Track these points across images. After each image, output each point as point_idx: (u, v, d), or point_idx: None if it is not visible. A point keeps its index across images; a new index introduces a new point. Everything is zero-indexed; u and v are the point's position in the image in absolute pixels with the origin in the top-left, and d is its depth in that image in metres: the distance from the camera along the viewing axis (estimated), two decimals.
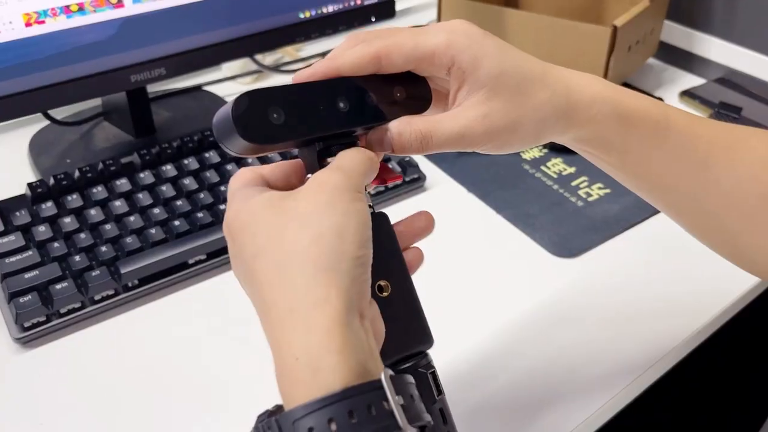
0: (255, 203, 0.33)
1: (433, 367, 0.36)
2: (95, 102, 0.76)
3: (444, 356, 0.36)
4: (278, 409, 0.30)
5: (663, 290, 0.60)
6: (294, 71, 0.88)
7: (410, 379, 0.31)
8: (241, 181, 0.35)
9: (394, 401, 0.28)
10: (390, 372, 0.29)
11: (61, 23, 0.60)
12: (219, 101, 0.82)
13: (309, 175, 0.36)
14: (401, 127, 0.37)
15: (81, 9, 0.60)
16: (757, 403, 0.99)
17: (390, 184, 0.39)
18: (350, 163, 0.34)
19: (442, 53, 0.37)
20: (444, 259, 0.62)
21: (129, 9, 0.62)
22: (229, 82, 0.86)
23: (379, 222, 0.36)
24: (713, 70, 0.89)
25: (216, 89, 0.84)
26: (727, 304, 0.58)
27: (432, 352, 0.37)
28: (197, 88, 0.83)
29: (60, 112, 0.75)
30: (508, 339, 0.55)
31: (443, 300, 0.55)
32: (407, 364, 0.35)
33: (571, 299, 0.59)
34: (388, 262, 0.36)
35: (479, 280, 0.60)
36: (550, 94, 0.38)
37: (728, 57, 0.87)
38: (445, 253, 0.62)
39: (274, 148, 0.35)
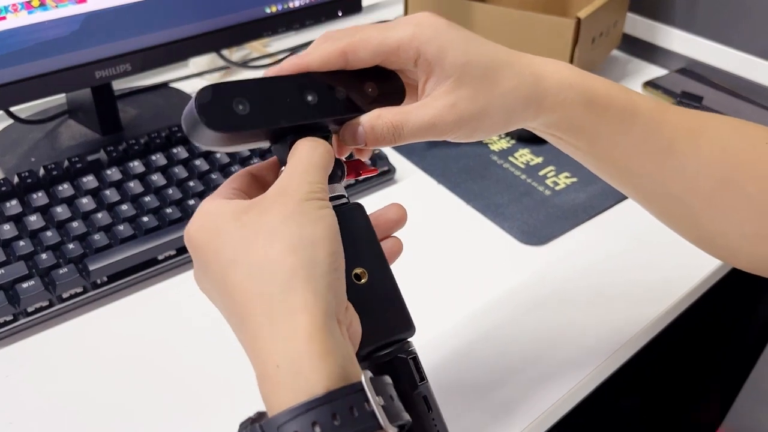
0: (217, 217, 0.33)
1: (415, 353, 0.36)
2: (60, 100, 0.75)
3: (417, 342, 0.37)
4: (260, 416, 0.31)
5: (629, 275, 0.61)
6: (262, 67, 0.88)
7: (388, 380, 0.31)
8: (211, 196, 0.36)
9: (375, 402, 0.29)
10: (369, 374, 0.30)
11: (22, 19, 0.59)
12: (186, 98, 0.81)
13: (283, 169, 0.35)
14: (372, 119, 0.37)
15: (43, 5, 0.59)
16: (725, 384, 1.01)
17: (362, 177, 0.39)
18: (308, 158, 0.34)
19: (407, 46, 0.37)
20: (416, 249, 0.62)
21: (92, 4, 0.62)
22: (196, 78, 0.85)
23: (355, 213, 0.37)
24: (675, 60, 0.90)
25: (183, 86, 0.84)
26: (691, 287, 0.60)
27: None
28: (164, 85, 0.83)
29: (24, 111, 0.74)
30: (480, 325, 0.55)
31: (416, 289, 0.55)
32: (387, 350, 0.35)
33: (540, 286, 0.59)
34: (365, 250, 0.36)
35: (451, 269, 0.61)
36: (517, 81, 0.39)
37: (689, 48, 0.89)
38: (417, 244, 0.62)
39: (239, 138, 0.35)
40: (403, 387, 0.34)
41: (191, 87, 0.84)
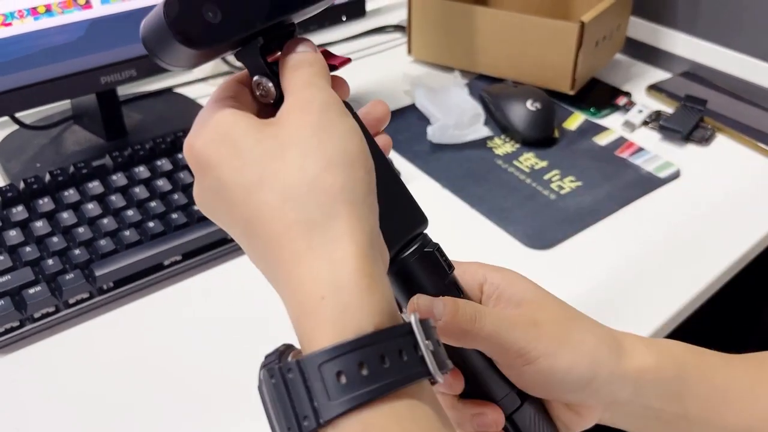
0: (233, 129, 0.28)
1: (437, 244, 0.34)
2: (65, 105, 0.75)
3: None
4: (287, 348, 0.28)
5: (634, 280, 0.61)
6: None
7: (433, 323, 0.28)
8: (211, 104, 0.31)
9: (424, 346, 0.26)
10: (418, 316, 0.27)
11: (28, 25, 0.59)
12: (190, 103, 0.81)
13: (256, 78, 0.32)
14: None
15: (48, 11, 0.59)
16: None
17: (339, 69, 0.35)
18: (310, 66, 0.30)
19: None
20: None
21: (97, 10, 0.62)
22: (200, 83, 0.85)
23: (351, 107, 0.33)
24: (678, 64, 0.90)
25: (187, 91, 0.84)
26: (696, 293, 0.60)
27: None
28: (168, 91, 0.83)
29: (28, 117, 0.74)
30: None
31: None
32: (413, 248, 0.33)
33: (547, 289, 0.59)
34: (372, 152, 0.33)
35: None
36: (594, 332, 0.36)
37: (693, 51, 0.89)
38: None
39: (214, 51, 0.32)
40: (435, 279, 0.34)
41: (195, 92, 0.84)
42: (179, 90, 0.83)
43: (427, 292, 0.34)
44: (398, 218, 0.33)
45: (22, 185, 0.60)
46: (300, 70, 0.30)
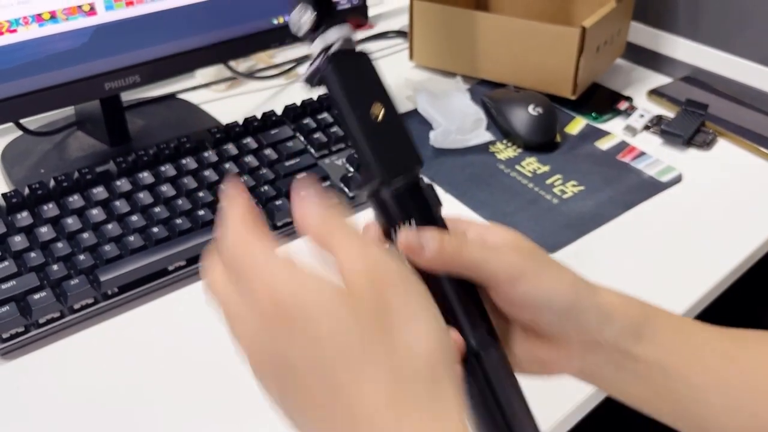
0: (319, 292, 0.28)
1: (430, 184, 0.37)
2: (68, 111, 0.76)
3: None
4: None
5: (637, 282, 0.61)
6: (269, 77, 0.88)
7: None
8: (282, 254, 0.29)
9: None
10: None
11: (33, 32, 0.59)
12: (193, 109, 0.82)
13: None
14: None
15: (53, 17, 0.60)
16: None
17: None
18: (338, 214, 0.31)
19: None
20: None
21: (102, 17, 0.62)
22: (202, 89, 0.86)
23: (366, 59, 0.37)
24: (679, 68, 0.91)
25: (190, 96, 0.84)
26: (701, 295, 0.60)
27: None
28: (171, 96, 0.83)
29: (32, 122, 0.75)
30: None
31: None
32: (412, 181, 0.36)
33: None
34: (379, 93, 0.37)
35: None
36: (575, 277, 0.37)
37: (694, 56, 0.89)
38: None
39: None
40: (434, 210, 0.36)
41: (198, 98, 0.84)
42: (182, 96, 0.84)
43: (417, 217, 0.35)
44: (401, 151, 0.36)
45: (26, 191, 0.60)
46: (343, 232, 0.30)
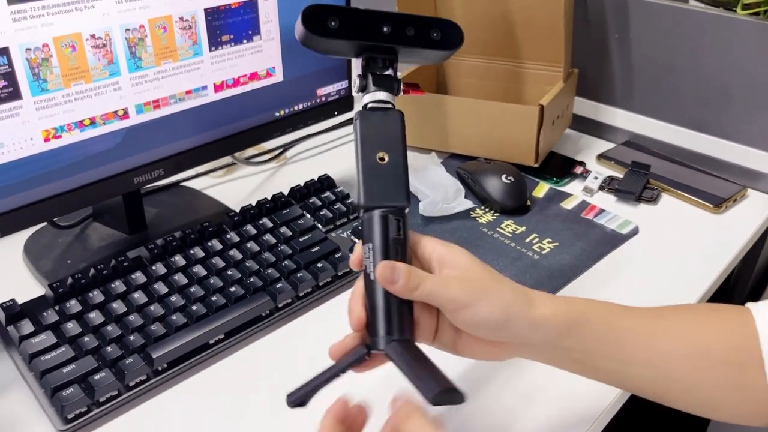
0: None
1: (402, 217, 0.48)
2: None
3: None
4: None
5: None
6: (263, 162, 0.96)
7: None
8: None
9: None
10: None
11: (75, 136, 0.66)
12: (198, 195, 0.88)
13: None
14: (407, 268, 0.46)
15: (93, 122, 0.66)
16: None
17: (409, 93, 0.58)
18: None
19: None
20: None
21: (133, 119, 0.69)
22: (204, 177, 0.93)
23: (394, 116, 0.51)
24: (620, 134, 1.05)
25: (193, 184, 0.91)
26: None
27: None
28: (176, 185, 0.90)
29: None
30: (493, 374, 0.63)
31: (432, 355, 0.63)
32: (385, 209, 0.48)
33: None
34: (391, 141, 0.50)
35: None
36: (511, 289, 0.49)
37: (631, 123, 1.03)
38: None
39: (328, 43, 0.50)
40: (389, 234, 0.47)
41: (200, 184, 0.91)
42: (186, 183, 0.90)
43: (380, 239, 0.48)
44: (389, 187, 0.48)
45: (70, 280, 0.65)
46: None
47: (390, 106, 0.51)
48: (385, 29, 0.50)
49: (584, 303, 0.51)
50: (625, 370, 0.50)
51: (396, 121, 0.50)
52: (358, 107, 0.52)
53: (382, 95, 0.51)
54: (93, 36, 0.63)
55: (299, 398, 0.46)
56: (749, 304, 0.52)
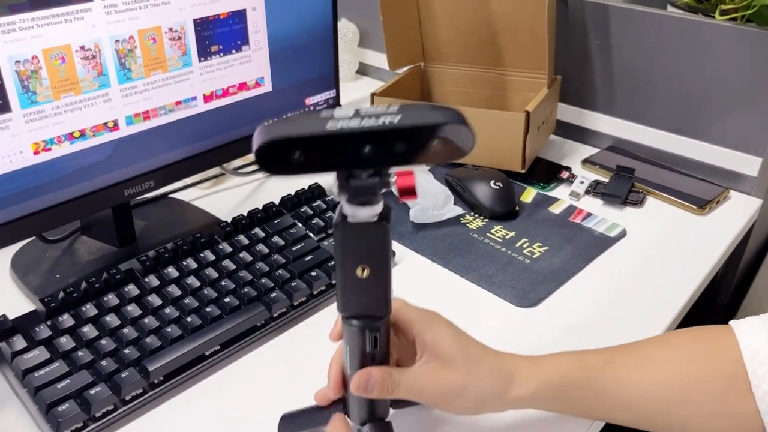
0: None
1: (378, 331, 0.47)
2: None
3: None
4: None
5: (608, 323, 0.72)
6: (251, 173, 0.96)
7: None
8: None
9: None
10: None
11: (65, 149, 0.65)
12: (187, 206, 0.88)
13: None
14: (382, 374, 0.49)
15: (83, 135, 0.66)
16: None
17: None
18: None
19: (412, 325, 0.52)
20: None
21: (123, 131, 0.69)
22: (192, 188, 0.92)
23: (379, 229, 0.43)
24: (603, 139, 1.06)
25: (181, 195, 0.90)
26: (660, 330, 0.71)
27: None
28: (164, 197, 0.89)
29: None
30: None
31: None
32: (363, 320, 0.47)
33: (542, 339, 0.69)
34: (373, 256, 0.45)
35: None
36: (490, 375, 0.51)
37: (614, 128, 1.05)
38: None
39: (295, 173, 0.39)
40: (365, 348, 0.48)
41: (189, 196, 0.90)
42: (174, 195, 0.90)
43: (356, 351, 0.48)
44: (365, 301, 0.47)
45: (61, 294, 0.64)
46: None
47: (375, 218, 0.43)
48: (366, 150, 0.39)
49: (566, 364, 0.53)
50: (610, 415, 0.54)
51: (381, 236, 0.44)
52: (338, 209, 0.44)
53: (365, 213, 0.42)
54: (82, 47, 0.63)
55: None
56: (732, 323, 0.54)
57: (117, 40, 0.65)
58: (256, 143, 0.38)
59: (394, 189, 0.43)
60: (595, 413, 0.54)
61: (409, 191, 0.43)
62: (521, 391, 0.51)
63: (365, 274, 0.45)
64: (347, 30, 1.30)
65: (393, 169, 0.42)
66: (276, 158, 0.38)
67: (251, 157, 0.99)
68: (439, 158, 0.40)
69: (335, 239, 0.44)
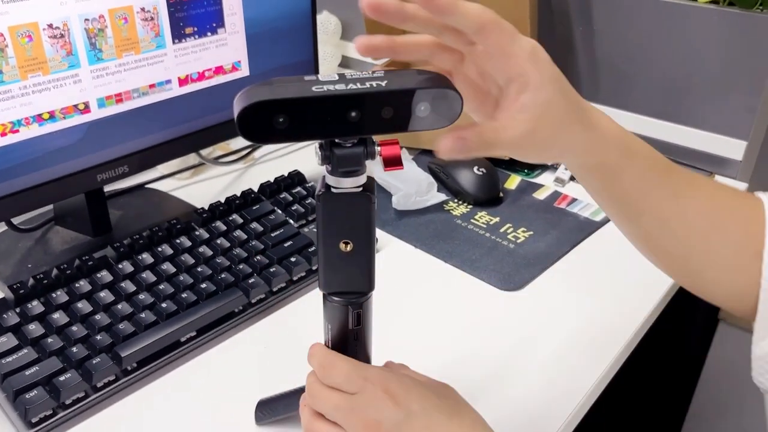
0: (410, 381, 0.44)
1: (360, 307, 0.45)
2: (46, 207, 0.78)
3: None
4: None
5: (594, 306, 0.70)
6: (232, 162, 0.94)
7: None
8: None
9: None
10: None
11: (34, 131, 0.63)
12: (164, 196, 0.86)
13: None
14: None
15: (52, 117, 0.64)
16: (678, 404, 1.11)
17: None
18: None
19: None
20: (410, 308, 0.69)
21: (95, 113, 0.67)
22: (169, 179, 0.90)
23: (365, 203, 0.41)
24: None
25: (158, 186, 0.88)
26: (647, 314, 0.70)
27: None
28: (140, 187, 0.87)
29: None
30: (483, 359, 0.62)
31: (417, 341, 0.62)
32: (343, 297, 0.44)
33: (527, 322, 0.68)
34: (357, 230, 0.42)
35: (446, 319, 0.68)
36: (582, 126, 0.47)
37: None
38: (411, 303, 0.70)
39: (278, 141, 0.38)
40: (343, 325, 0.45)
41: (166, 186, 0.88)
42: (151, 185, 0.88)
43: (336, 325, 0.46)
44: (349, 277, 0.44)
45: (31, 281, 0.62)
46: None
47: (359, 189, 0.41)
48: (352, 115, 0.38)
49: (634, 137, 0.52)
50: (639, 220, 0.51)
51: (365, 206, 0.42)
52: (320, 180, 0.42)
53: (349, 183, 0.41)
54: (50, 26, 0.61)
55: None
56: (759, 194, 0.53)
57: (86, 19, 0.63)
58: (237, 107, 0.36)
59: (379, 159, 0.41)
60: (630, 207, 0.51)
61: (395, 161, 0.42)
62: (608, 129, 0.51)
63: (348, 248, 0.43)
64: (329, 22, 1.28)
65: (378, 138, 0.41)
66: (259, 123, 0.36)
67: (231, 146, 0.98)
68: (427, 124, 0.40)
69: (317, 211, 0.42)
